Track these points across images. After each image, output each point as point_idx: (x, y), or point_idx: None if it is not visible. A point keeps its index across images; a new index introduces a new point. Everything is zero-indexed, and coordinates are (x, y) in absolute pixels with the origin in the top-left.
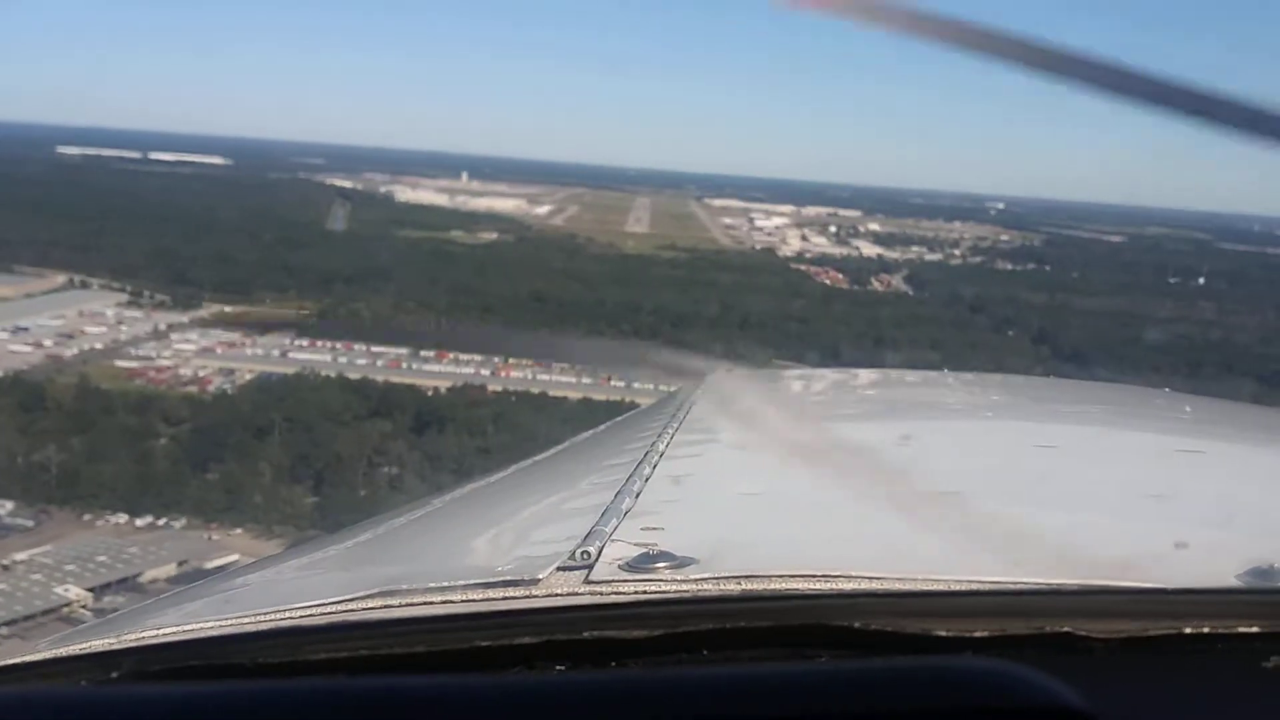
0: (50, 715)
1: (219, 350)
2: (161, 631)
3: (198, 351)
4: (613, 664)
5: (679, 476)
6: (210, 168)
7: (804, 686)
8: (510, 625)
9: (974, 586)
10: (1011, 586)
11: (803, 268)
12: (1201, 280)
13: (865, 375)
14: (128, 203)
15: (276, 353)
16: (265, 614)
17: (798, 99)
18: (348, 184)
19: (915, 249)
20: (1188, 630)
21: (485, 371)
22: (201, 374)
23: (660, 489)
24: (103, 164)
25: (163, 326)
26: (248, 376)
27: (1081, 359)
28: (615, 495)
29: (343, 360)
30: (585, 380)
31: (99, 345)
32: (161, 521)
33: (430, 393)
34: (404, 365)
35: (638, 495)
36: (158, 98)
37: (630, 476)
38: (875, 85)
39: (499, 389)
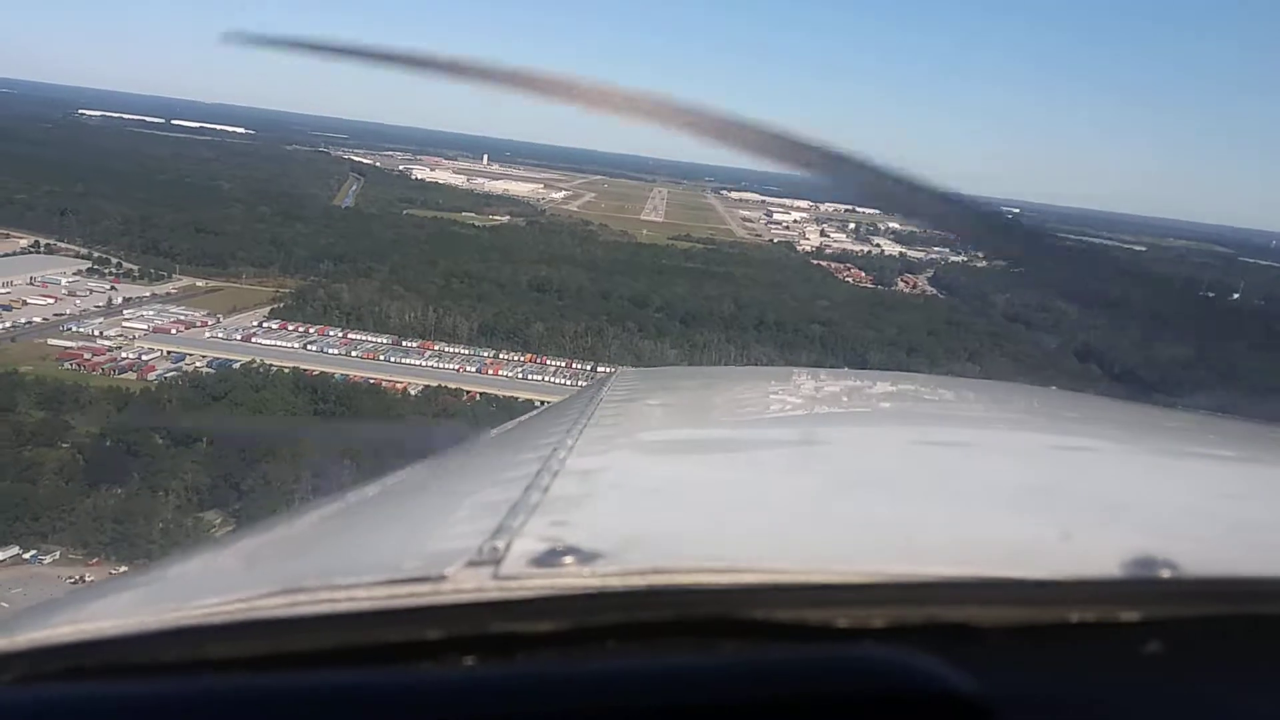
0: None
1: (174, 331)
2: (57, 632)
3: (149, 331)
4: (521, 658)
5: (587, 472)
6: (230, 136)
7: (709, 676)
8: (417, 621)
9: (872, 578)
10: (908, 578)
11: (823, 264)
12: (1236, 296)
13: (769, 373)
14: (124, 167)
15: (239, 336)
16: (165, 612)
17: (814, 96)
18: (366, 160)
19: (937, 249)
20: (1074, 618)
21: (470, 368)
22: (146, 358)
23: (568, 485)
24: (119, 127)
25: (119, 300)
26: (198, 364)
27: (1133, 378)
28: (524, 491)
29: (312, 348)
30: (584, 384)
31: (38, 319)
32: (29, 554)
33: (399, 394)
34: (380, 356)
35: (546, 491)
36: (195, 68)
37: (539, 472)
38: (888, 86)
39: (482, 391)
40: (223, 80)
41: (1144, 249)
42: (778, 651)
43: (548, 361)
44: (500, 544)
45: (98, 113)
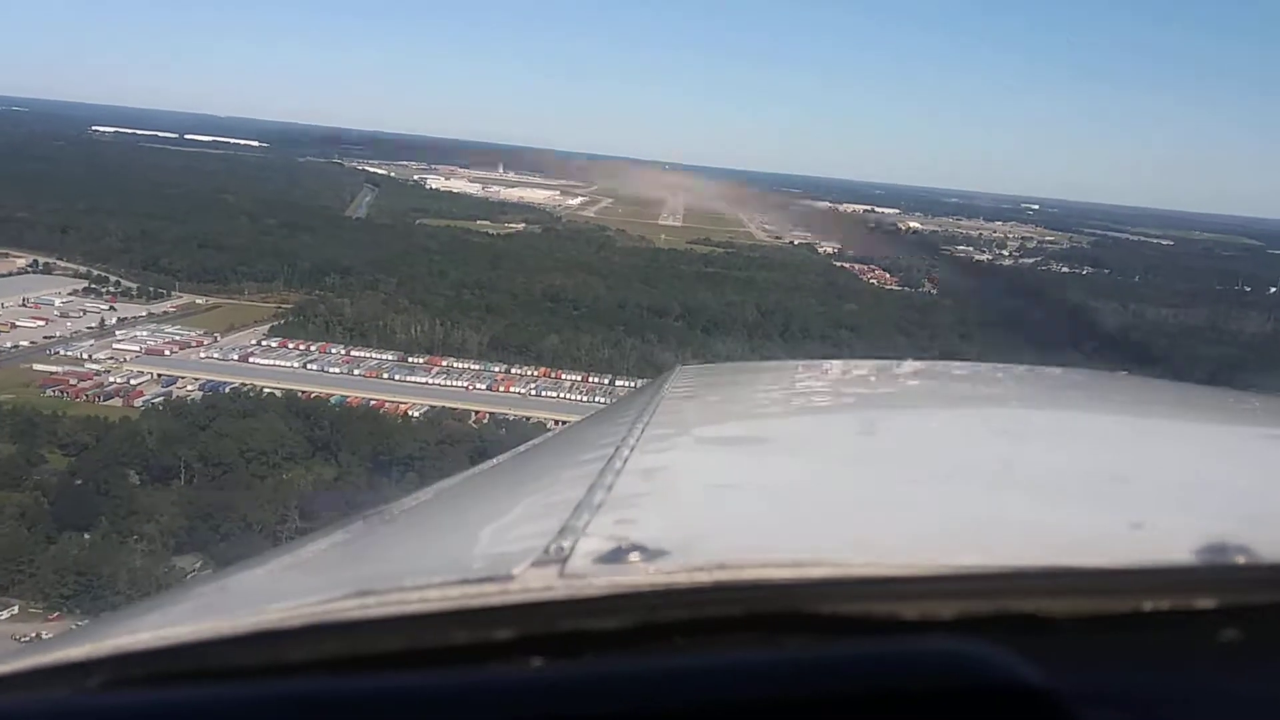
0: None
1: (167, 352)
2: (138, 638)
3: (141, 353)
4: (589, 656)
5: (650, 470)
6: (243, 149)
7: (776, 672)
8: (487, 621)
9: (940, 570)
10: (976, 569)
11: (846, 266)
12: (1274, 289)
13: (829, 365)
14: (129, 182)
15: (235, 356)
16: (241, 618)
17: (832, 98)
18: (381, 170)
19: (962, 248)
20: (1147, 607)
21: (480, 385)
22: (135, 383)
23: (632, 483)
24: (131, 143)
25: (112, 321)
26: (189, 387)
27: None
28: (588, 490)
29: (313, 367)
30: (602, 400)
31: (26, 342)
32: None
33: (400, 418)
34: (384, 375)
35: (610, 489)
36: (215, 83)
37: (602, 471)
38: (906, 87)
39: (491, 411)
40: (238, 94)
41: (1170, 243)
42: (845, 646)
43: (563, 376)
44: (566, 543)
45: (110, 129)
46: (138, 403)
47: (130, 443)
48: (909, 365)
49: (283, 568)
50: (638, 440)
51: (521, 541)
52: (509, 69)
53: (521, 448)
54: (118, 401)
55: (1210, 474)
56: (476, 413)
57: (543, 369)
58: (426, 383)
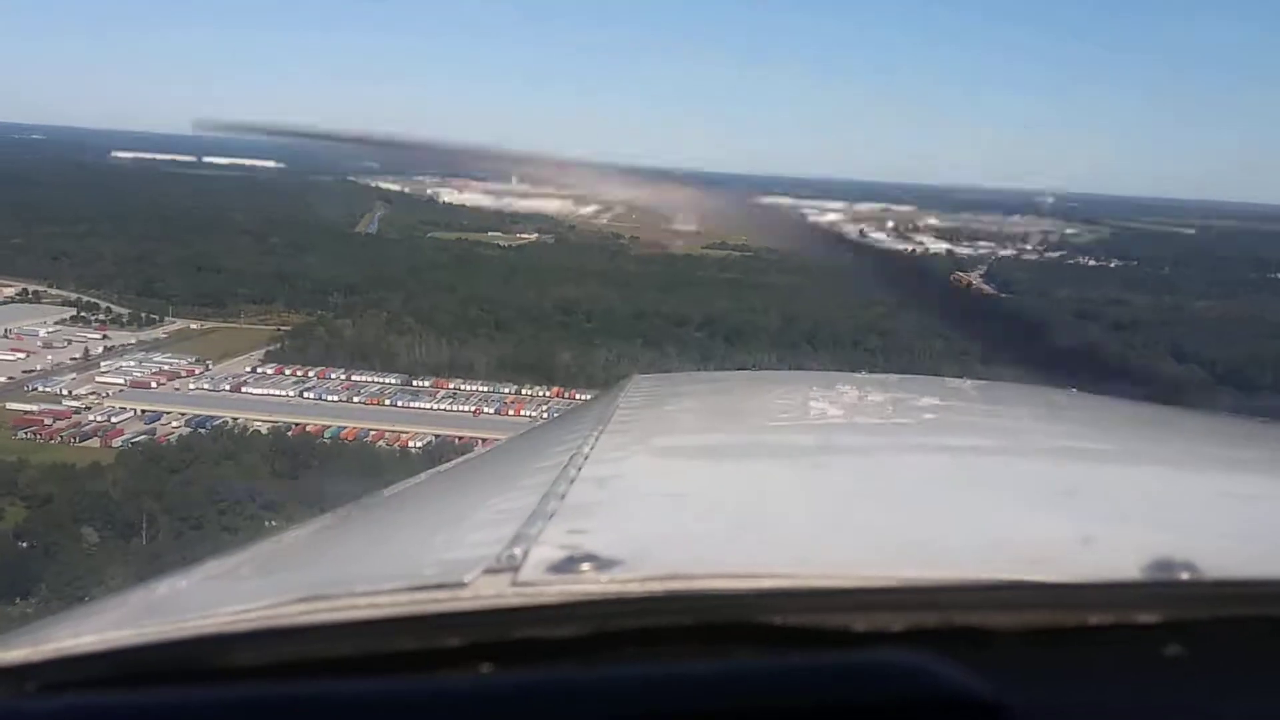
0: None
1: (154, 384)
2: (80, 641)
3: (126, 387)
4: (540, 664)
5: (604, 479)
6: (258, 170)
7: (727, 682)
8: (437, 628)
9: (889, 583)
10: (925, 582)
11: None
12: None
13: (785, 378)
14: (134, 206)
15: (228, 385)
16: (188, 621)
17: (843, 99)
18: (394, 186)
19: (984, 244)
20: (1092, 621)
21: (489, 409)
22: (115, 420)
23: (586, 492)
24: (149, 168)
25: (98, 351)
26: (174, 423)
27: (1249, 385)
28: (541, 498)
29: (310, 395)
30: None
31: (3, 378)
32: None
33: (398, 452)
34: (387, 401)
35: (563, 498)
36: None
37: (556, 480)
38: (919, 85)
39: (499, 439)
40: (258, 115)
41: (1193, 231)
42: (796, 657)
43: (577, 396)
44: (519, 551)
45: (130, 154)
46: (116, 443)
47: (93, 494)
48: (864, 378)
49: (232, 571)
50: (592, 449)
51: (474, 549)
52: (513, 70)
53: (476, 453)
54: (95, 442)
55: (1156, 491)
56: (484, 440)
57: (556, 388)
58: (431, 408)
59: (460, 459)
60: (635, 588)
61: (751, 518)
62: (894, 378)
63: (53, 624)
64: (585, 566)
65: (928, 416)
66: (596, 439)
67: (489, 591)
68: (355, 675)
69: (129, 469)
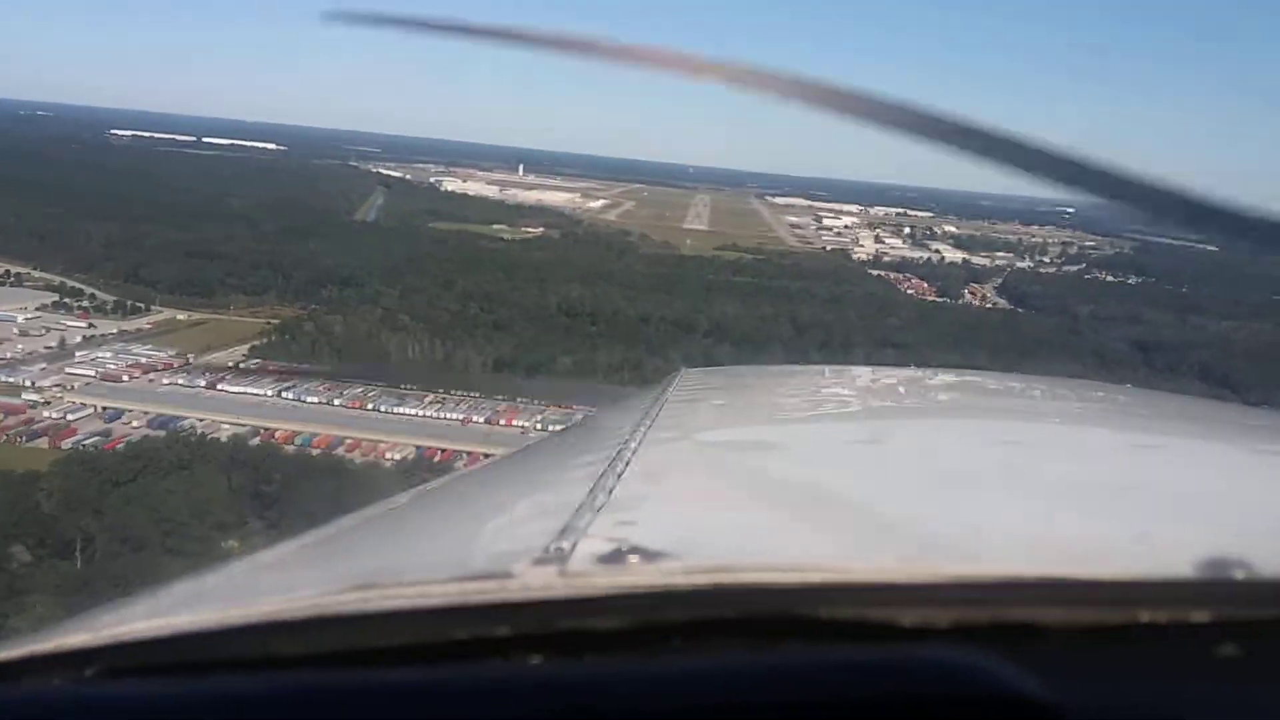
0: (25, 714)
1: (125, 378)
2: (136, 627)
3: (96, 380)
4: (587, 655)
5: (652, 472)
6: (259, 153)
7: (772, 675)
8: (487, 618)
9: (938, 578)
10: (974, 578)
11: (883, 274)
12: None
13: (833, 371)
14: (128, 186)
15: (203, 382)
16: (240, 608)
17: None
18: (395, 173)
19: (1001, 255)
20: (1144, 619)
21: (478, 418)
22: (72, 418)
23: (634, 485)
24: (147, 147)
25: (75, 340)
26: (136, 423)
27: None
28: (589, 491)
29: (288, 395)
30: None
31: None
32: None
33: (372, 466)
34: (369, 405)
35: (611, 491)
36: (239, 88)
37: (604, 473)
38: (936, 88)
39: (485, 454)
40: (262, 98)
41: (1215, 248)
42: (842, 652)
43: (575, 408)
44: (567, 543)
45: (128, 133)
46: (67, 444)
47: (26, 506)
48: (914, 372)
49: (283, 561)
50: (640, 442)
51: (523, 540)
52: (514, 71)
53: (524, 446)
54: (44, 442)
55: (1212, 488)
56: (469, 454)
57: (549, 405)
58: (416, 415)
59: (508, 452)
60: (682, 580)
61: (799, 511)
62: (944, 371)
63: (111, 610)
64: (633, 559)
65: (979, 410)
66: (644, 432)
67: (537, 583)
68: (405, 664)
69: (68, 479)
